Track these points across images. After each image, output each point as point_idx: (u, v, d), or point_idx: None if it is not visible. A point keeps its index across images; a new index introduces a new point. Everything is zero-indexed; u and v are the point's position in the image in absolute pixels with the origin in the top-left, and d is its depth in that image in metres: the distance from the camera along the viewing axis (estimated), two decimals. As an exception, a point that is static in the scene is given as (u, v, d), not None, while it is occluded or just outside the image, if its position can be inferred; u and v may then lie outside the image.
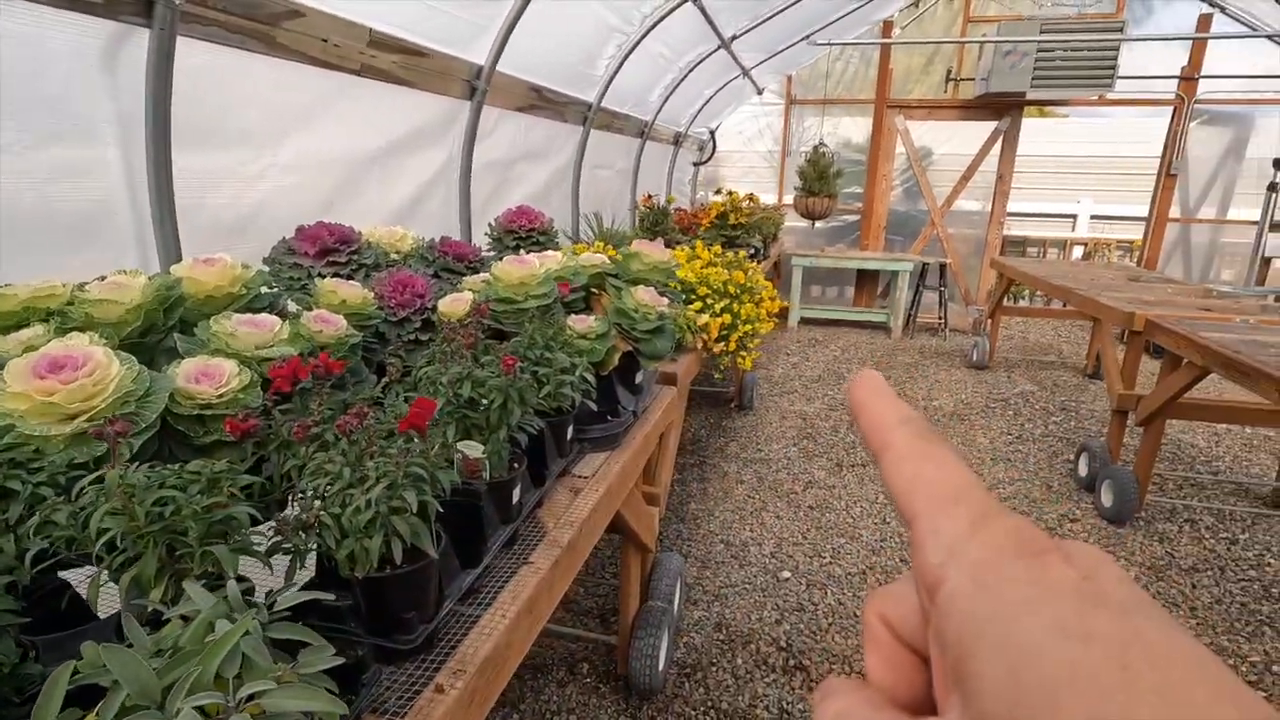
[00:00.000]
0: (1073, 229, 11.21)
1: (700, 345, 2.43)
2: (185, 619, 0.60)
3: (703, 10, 3.92)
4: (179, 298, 1.18)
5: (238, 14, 1.58)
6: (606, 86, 3.87)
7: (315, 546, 0.80)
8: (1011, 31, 6.12)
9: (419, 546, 0.85)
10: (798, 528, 3.28)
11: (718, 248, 3.48)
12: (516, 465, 1.16)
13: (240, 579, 0.69)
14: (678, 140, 6.48)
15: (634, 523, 1.90)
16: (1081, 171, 10.70)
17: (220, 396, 0.98)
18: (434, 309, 1.60)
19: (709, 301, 2.59)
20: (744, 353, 2.67)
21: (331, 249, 1.75)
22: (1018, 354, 6.60)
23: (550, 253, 1.77)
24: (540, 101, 3.31)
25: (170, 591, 0.65)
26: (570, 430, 1.42)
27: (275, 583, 0.73)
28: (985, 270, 7.34)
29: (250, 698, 0.53)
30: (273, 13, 1.67)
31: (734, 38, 4.89)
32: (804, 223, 7.35)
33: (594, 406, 1.47)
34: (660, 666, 2.18)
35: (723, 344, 2.59)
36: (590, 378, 1.38)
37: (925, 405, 5.03)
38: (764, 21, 4.88)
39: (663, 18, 3.66)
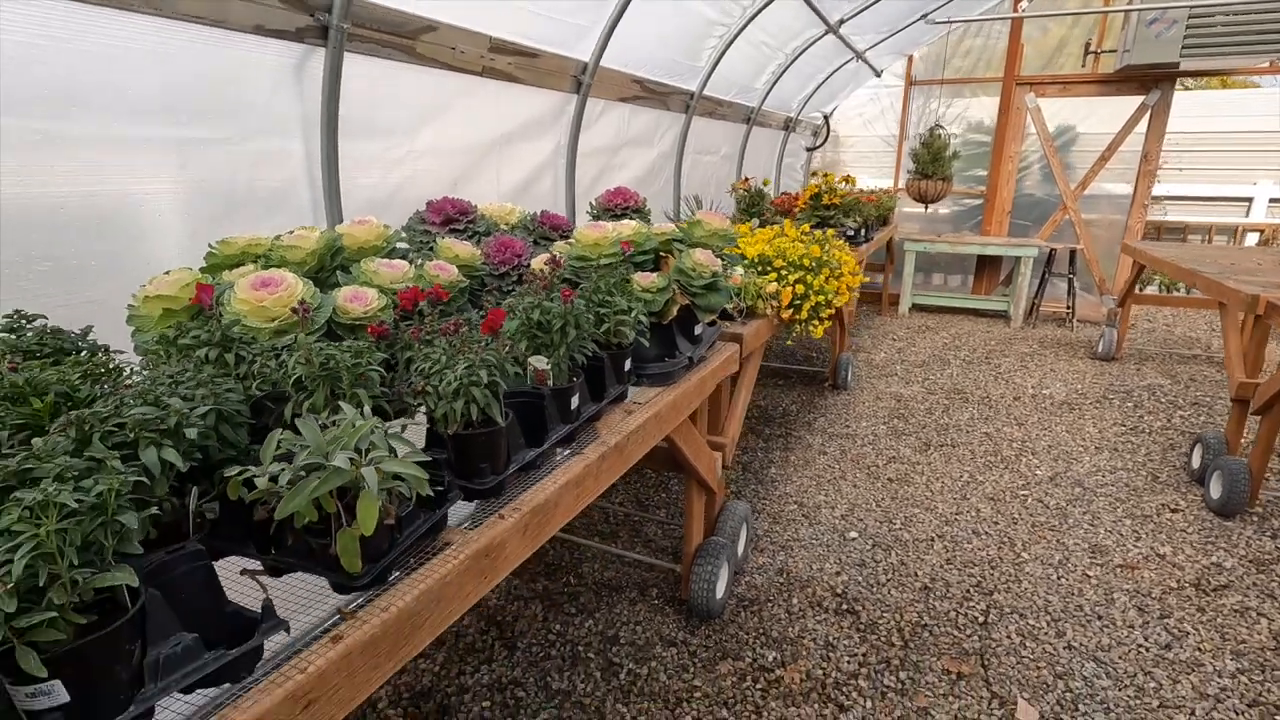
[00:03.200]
0: (1247, 214, 10.00)
1: (770, 311, 2.65)
2: (336, 424, 0.96)
3: (804, -2, 4.06)
4: (340, 247, 1.61)
5: (387, 32, 2.02)
6: (708, 76, 4.12)
7: (420, 406, 1.16)
8: (1160, -3, 5.65)
9: (490, 415, 1.19)
10: (873, 496, 3.40)
11: (806, 226, 3.64)
12: (575, 379, 1.49)
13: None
14: (788, 125, 6.58)
15: (693, 459, 2.18)
16: (1260, 149, 9.52)
17: (365, 313, 1.38)
18: (529, 265, 1.96)
19: (783, 273, 2.79)
20: (815, 322, 2.85)
21: (453, 219, 2.16)
22: (1156, 347, 6.13)
23: (626, 221, 2.08)
24: (642, 92, 3.62)
25: (330, 414, 1.03)
26: (628, 364, 1.73)
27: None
28: (1124, 257, 6.83)
29: (371, 461, 0.88)
30: (414, 29, 2.10)
31: (842, 21, 4.95)
32: (924, 207, 7.18)
33: (645, 344, 1.76)
34: (718, 595, 2.45)
35: (792, 312, 2.78)
36: (644, 320, 1.68)
37: (1034, 393, 4.88)
38: (874, 3, 4.90)
39: (762, 8, 3.85)
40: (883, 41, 6.17)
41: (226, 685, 0.81)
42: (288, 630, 0.88)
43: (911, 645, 2.37)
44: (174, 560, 0.82)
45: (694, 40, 3.77)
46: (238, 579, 1.01)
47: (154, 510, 0.78)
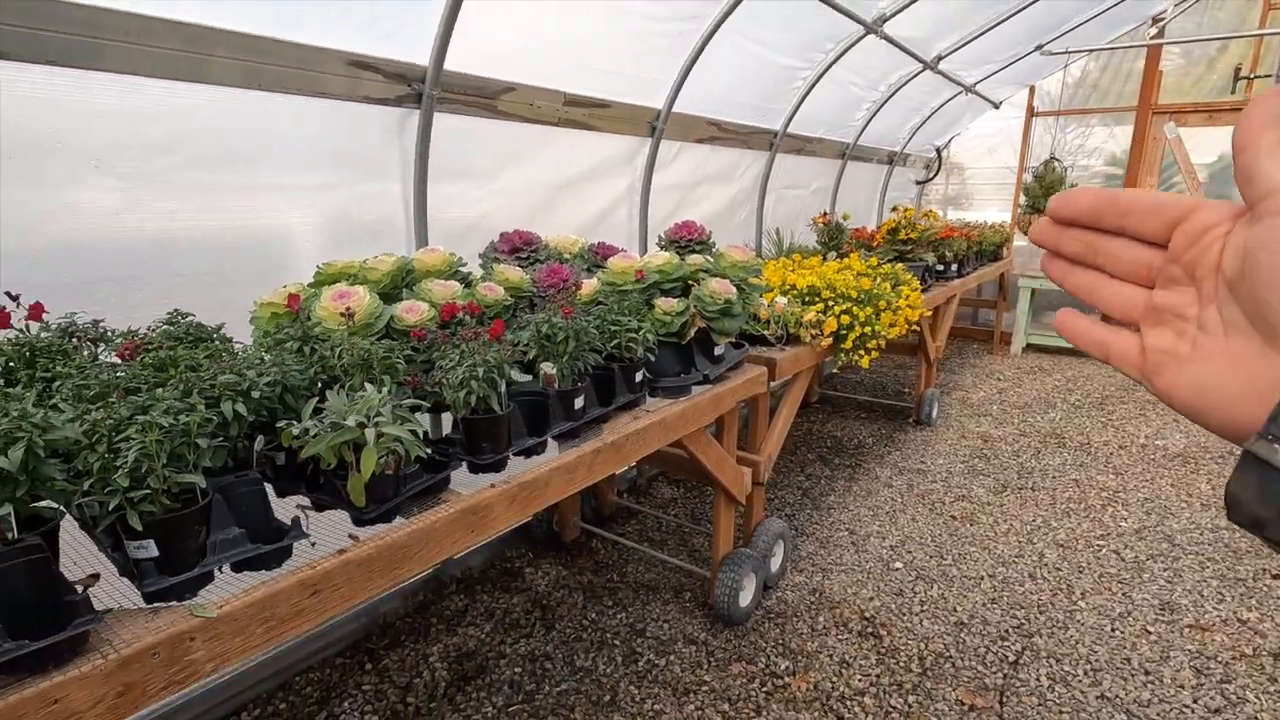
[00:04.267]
0: None
1: (810, 339, 2.79)
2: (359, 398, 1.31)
3: (890, 40, 4.16)
4: (411, 270, 2.01)
5: (471, 94, 2.44)
6: (790, 117, 4.31)
7: (436, 391, 1.49)
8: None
9: (489, 404, 1.50)
10: (929, 531, 3.38)
11: (874, 260, 3.72)
12: (580, 384, 1.76)
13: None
14: (893, 159, 6.56)
15: (715, 470, 2.38)
16: None
17: (416, 321, 1.75)
18: (577, 289, 2.28)
19: (830, 304, 2.93)
20: (861, 352, 2.94)
21: (519, 248, 2.53)
22: (1315, 403, 5.43)
23: (661, 253, 2.35)
24: (720, 133, 3.89)
25: (361, 388, 1.38)
26: (640, 375, 1.99)
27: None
28: (1282, 301, 6.11)
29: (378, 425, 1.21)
30: (494, 90, 2.52)
31: (940, 58, 4.96)
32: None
33: (656, 359, 2.01)
34: (742, 603, 2.61)
35: (834, 340, 2.90)
36: (652, 338, 1.94)
37: (1145, 443, 4.53)
38: (974, 39, 4.88)
39: (840, 55, 4.01)
40: (996, 74, 6.04)
41: (263, 571, 1.15)
42: (312, 541, 1.22)
43: (929, 673, 2.40)
44: (239, 481, 1.18)
45: (773, 85, 4.00)
46: (292, 508, 1.37)
47: (224, 444, 1.15)
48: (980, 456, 4.31)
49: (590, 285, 2.21)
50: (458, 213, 2.60)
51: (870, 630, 2.62)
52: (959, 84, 5.75)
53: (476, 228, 2.65)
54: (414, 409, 1.36)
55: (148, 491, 0.98)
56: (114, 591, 1.09)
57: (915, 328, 3.59)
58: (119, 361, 1.36)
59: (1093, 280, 0.43)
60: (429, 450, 1.39)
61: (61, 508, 1.00)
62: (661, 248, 2.94)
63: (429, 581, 2.86)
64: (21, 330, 1.37)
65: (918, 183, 7.58)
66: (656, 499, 3.76)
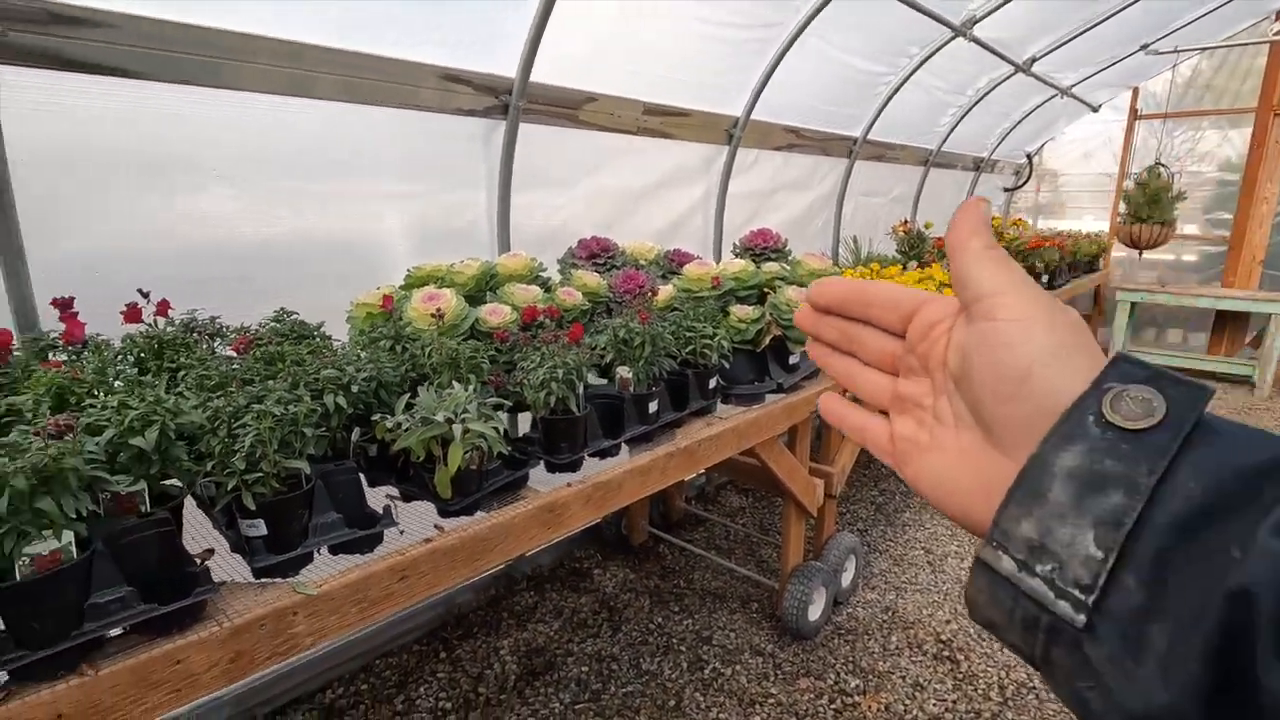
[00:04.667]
0: None
1: (889, 350, 2.72)
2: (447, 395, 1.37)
3: (980, 43, 4.02)
4: (495, 274, 2.09)
5: (555, 104, 2.52)
6: (871, 124, 4.22)
7: (519, 391, 1.54)
8: None
9: (568, 406, 1.54)
10: (1013, 554, 3.22)
11: (957, 270, 3.59)
12: (655, 388, 1.79)
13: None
14: (979, 166, 6.31)
15: (786, 479, 2.35)
16: None
17: (499, 323, 1.81)
18: (653, 294, 2.31)
19: (910, 314, 2.84)
20: (943, 364, 2.84)
21: (596, 254, 2.58)
22: None
23: (737, 261, 2.35)
24: (798, 140, 3.85)
25: (449, 386, 1.44)
26: (714, 382, 1.99)
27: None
28: None
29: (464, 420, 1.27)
30: (577, 101, 2.58)
31: (1033, 60, 4.75)
32: (1155, 254, 6.39)
33: (730, 367, 2.01)
34: (811, 617, 2.56)
35: (913, 352, 2.81)
36: (727, 345, 1.94)
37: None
38: (1071, 40, 4.64)
39: (925, 59, 3.90)
40: (1095, 75, 5.72)
41: (357, 555, 1.22)
42: (400, 530, 1.29)
43: (1011, 704, 2.28)
44: (337, 470, 1.26)
45: (854, 90, 3.93)
46: (382, 498, 1.45)
47: (325, 434, 1.23)
48: (1070, 478, 4.08)
49: (666, 291, 2.24)
50: (538, 219, 2.68)
51: (946, 654, 2.52)
52: (1054, 87, 5.48)
53: (556, 234, 2.73)
54: (496, 407, 1.41)
55: (260, 474, 1.06)
56: (226, 566, 1.18)
57: (1001, 341, 3.43)
58: (234, 355, 1.47)
59: (849, 366, 0.44)
60: (509, 448, 1.44)
61: (185, 486, 1.09)
62: (736, 255, 2.94)
63: (501, 577, 2.94)
64: (150, 325, 1.51)
65: (1006, 190, 7.26)
66: (724, 507, 3.74)
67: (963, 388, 0.35)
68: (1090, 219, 7.47)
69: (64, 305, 1.40)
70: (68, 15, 1.53)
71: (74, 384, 1.13)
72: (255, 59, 1.85)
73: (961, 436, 0.36)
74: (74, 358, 1.36)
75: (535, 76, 2.38)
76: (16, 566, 0.81)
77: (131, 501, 0.97)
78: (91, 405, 1.02)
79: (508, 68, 2.35)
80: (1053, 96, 5.72)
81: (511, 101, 2.36)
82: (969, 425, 0.35)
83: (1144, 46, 5.43)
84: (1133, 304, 6.28)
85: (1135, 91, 6.66)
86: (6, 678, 0.85)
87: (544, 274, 2.21)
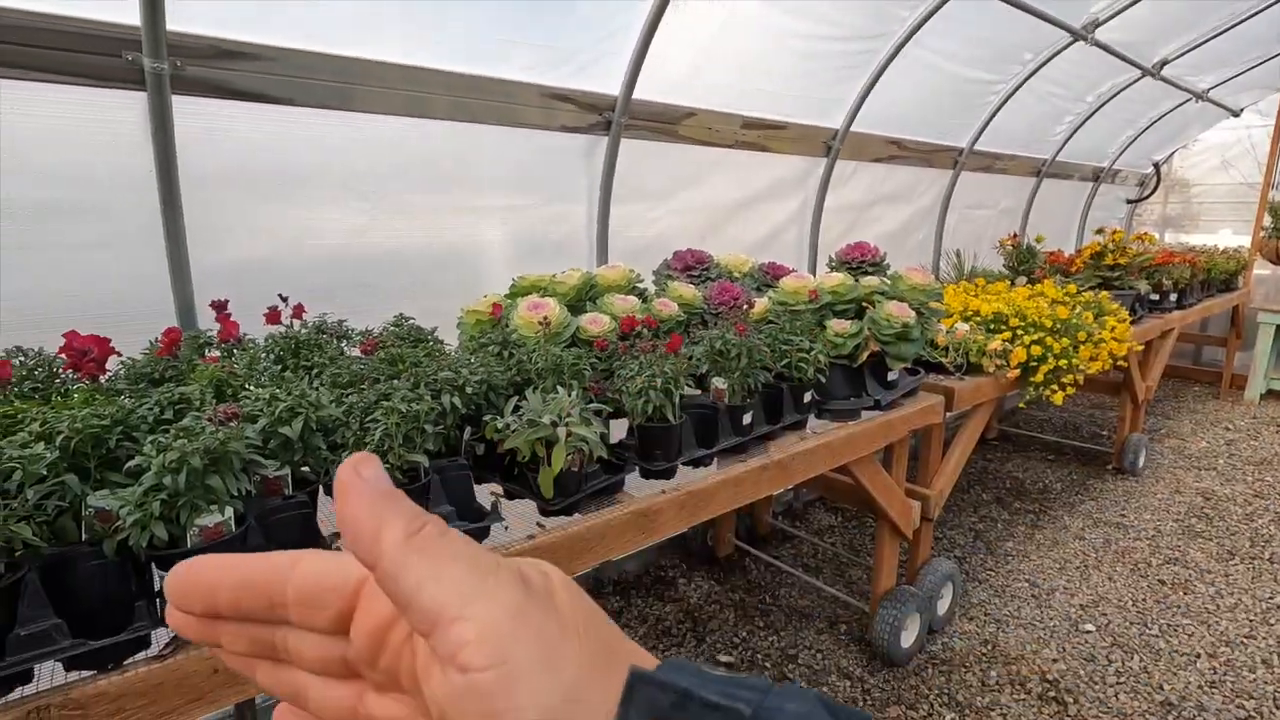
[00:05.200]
0: None
1: (994, 370, 2.60)
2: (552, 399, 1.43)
3: (1102, 46, 3.79)
4: (594, 284, 2.16)
5: (655, 120, 2.58)
6: (979, 133, 4.05)
7: (618, 398, 1.59)
8: None
9: (665, 414, 1.57)
10: (1130, 595, 2.98)
11: (1072, 288, 3.39)
12: (749, 400, 1.79)
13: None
14: (1099, 176, 5.91)
15: (882, 499, 2.29)
16: None
17: (599, 332, 1.87)
18: (748, 306, 2.32)
19: (1018, 332, 2.71)
20: (1055, 387, 2.68)
21: (691, 266, 2.62)
22: None
23: (834, 274, 2.32)
24: (899, 152, 3.75)
25: (553, 390, 1.51)
26: (809, 396, 1.97)
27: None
28: None
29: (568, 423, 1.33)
30: (676, 116, 2.64)
31: (1164, 63, 4.42)
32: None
33: (826, 382, 1.99)
34: (903, 643, 2.47)
35: (1021, 373, 2.67)
36: (824, 360, 1.92)
37: None
38: (1208, 40, 4.29)
39: (1040, 66, 3.71)
40: (1236, 77, 5.26)
41: (465, 547, 1.30)
42: (505, 525, 1.36)
43: (1126, 754, 2.12)
44: (450, 466, 1.35)
45: (960, 100, 3.79)
46: (488, 494, 1.53)
47: (440, 431, 1.31)
48: (1200, 516, 3.73)
49: (761, 304, 2.24)
50: (635, 231, 2.74)
51: (1053, 694, 2.36)
52: (1188, 91, 5.08)
53: (652, 246, 2.78)
54: (597, 413, 1.47)
55: (387, 466, 1.15)
56: (350, 549, 1.28)
57: (1121, 363, 3.21)
58: (360, 355, 1.60)
59: (292, 677, 0.30)
60: (607, 452, 1.49)
61: (320, 474, 1.20)
62: (832, 269, 2.89)
63: (587, 580, 3.01)
64: (288, 326, 1.66)
65: (1129, 202, 6.76)
66: (813, 525, 3.66)
67: None
68: (1228, 233, 6.83)
69: (220, 307, 1.56)
70: (232, 50, 1.72)
71: (230, 378, 1.27)
72: (382, 83, 2.00)
73: None
74: (227, 354, 1.52)
75: (637, 94, 2.45)
76: (188, 535, 0.92)
77: (278, 484, 1.08)
78: (245, 397, 1.15)
79: (611, 86, 2.43)
80: (1186, 101, 5.30)
81: (614, 118, 2.44)
82: None
83: (1296, 44, 4.94)
84: (1277, 327, 5.68)
85: (1284, 94, 6.05)
86: (174, 634, 0.96)
87: (641, 285, 2.27)
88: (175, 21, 1.60)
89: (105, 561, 0.92)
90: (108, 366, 1.26)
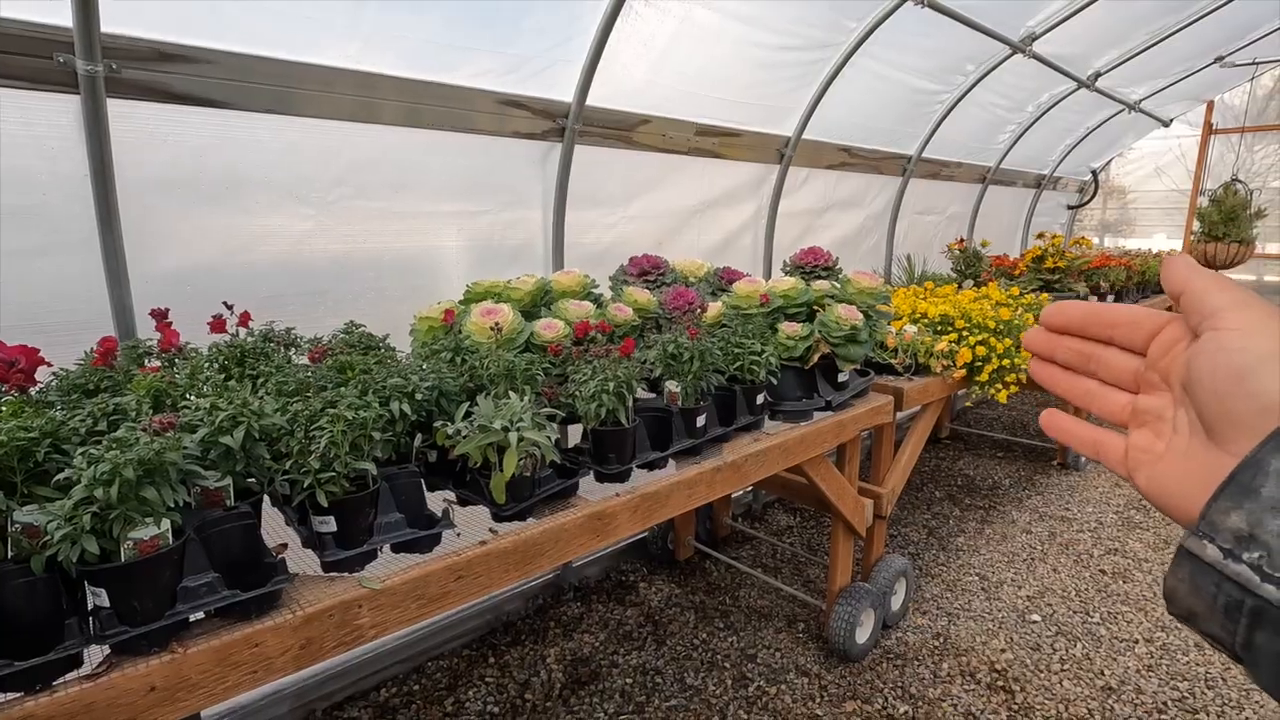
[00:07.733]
0: None
1: (941, 370, 2.68)
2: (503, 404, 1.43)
3: (1040, 59, 3.95)
4: (549, 290, 2.16)
5: (610, 127, 2.60)
6: (926, 141, 4.18)
7: (571, 403, 1.60)
8: None
9: (617, 417, 1.59)
10: (1074, 585, 3.10)
11: (1015, 290, 3.51)
12: (702, 403, 1.82)
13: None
14: (1040, 183, 6.15)
15: (834, 499, 2.34)
16: None
17: (553, 337, 1.88)
18: (702, 311, 2.35)
19: (964, 333, 2.80)
20: (999, 386, 2.78)
21: (647, 271, 2.64)
22: None
23: (786, 278, 2.37)
24: (850, 159, 3.84)
25: (505, 396, 1.51)
26: (761, 397, 2.01)
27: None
28: None
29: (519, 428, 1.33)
30: (631, 123, 2.66)
31: (1098, 75, 4.63)
32: (1235, 274, 6.10)
33: (777, 384, 2.02)
34: (858, 639, 2.52)
35: (967, 372, 2.76)
36: (775, 362, 1.96)
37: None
38: (1139, 53, 4.51)
39: (982, 77, 3.85)
40: (1166, 89, 5.53)
41: (417, 554, 1.29)
42: (457, 532, 1.35)
43: (1069, 738, 2.20)
44: (401, 473, 1.33)
45: (908, 109, 3.91)
46: (440, 501, 1.52)
47: (390, 439, 1.30)
48: (1138, 508, 3.90)
49: (715, 308, 2.27)
50: (592, 237, 2.75)
51: (1001, 684, 2.44)
52: (1121, 102, 5.32)
53: (609, 252, 2.80)
54: (550, 418, 1.47)
55: (333, 474, 1.14)
56: (298, 560, 1.26)
57: (1062, 362, 3.33)
58: (308, 363, 1.58)
59: (1085, 385, 0.46)
60: (561, 457, 1.50)
61: (264, 484, 1.18)
62: (786, 273, 2.94)
63: (548, 586, 3.00)
64: (233, 334, 1.63)
65: (1070, 208, 7.04)
66: (772, 525, 3.72)
67: (1190, 392, 0.37)
68: (1162, 237, 7.19)
69: (160, 315, 1.52)
70: (170, 53, 1.68)
71: (170, 387, 1.24)
72: (328, 88, 1.98)
73: (1193, 441, 0.38)
74: (168, 364, 1.48)
75: (591, 100, 2.47)
76: (122, 549, 0.90)
77: (219, 495, 1.06)
78: (185, 406, 1.12)
79: (565, 93, 2.44)
80: (1120, 111, 5.55)
81: (568, 125, 2.45)
82: (1199, 430, 0.37)
83: (1219, 59, 5.23)
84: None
85: (1210, 105, 6.40)
86: (109, 650, 0.94)
87: (596, 290, 2.28)
88: (110, 23, 1.56)
89: (33, 578, 0.89)
90: (38, 377, 1.21)
